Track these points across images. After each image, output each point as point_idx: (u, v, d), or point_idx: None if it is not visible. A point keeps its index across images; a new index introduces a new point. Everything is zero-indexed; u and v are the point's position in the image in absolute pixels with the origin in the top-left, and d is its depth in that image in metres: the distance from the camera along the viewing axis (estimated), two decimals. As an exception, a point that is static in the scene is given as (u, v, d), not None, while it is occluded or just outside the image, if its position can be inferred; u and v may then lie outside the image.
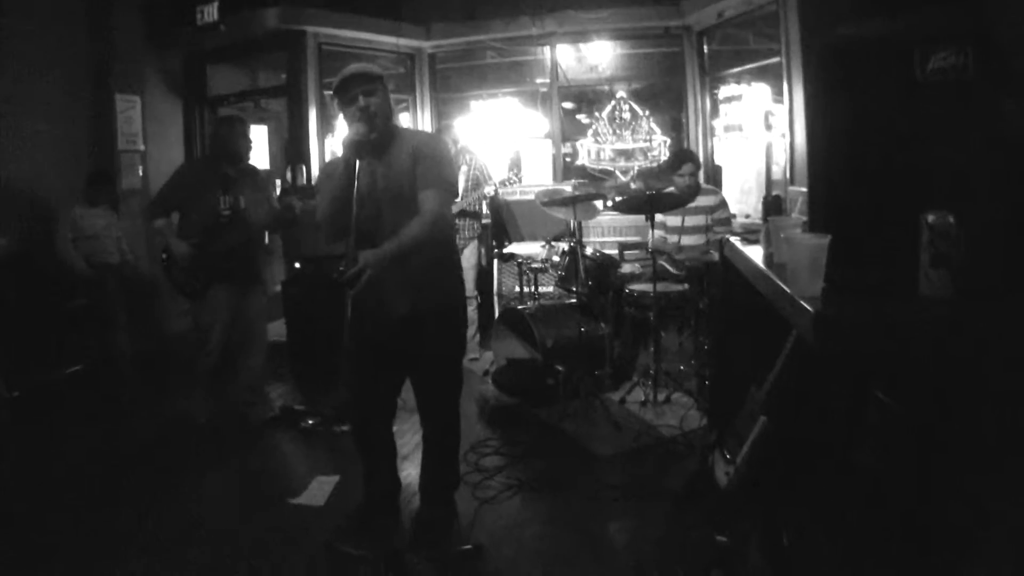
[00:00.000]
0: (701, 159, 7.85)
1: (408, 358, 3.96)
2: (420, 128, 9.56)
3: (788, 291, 2.44)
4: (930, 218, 2.26)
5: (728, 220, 6.74)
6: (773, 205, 3.80)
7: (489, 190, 7.39)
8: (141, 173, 8.37)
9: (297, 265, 7.41)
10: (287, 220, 5.72)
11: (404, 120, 9.69)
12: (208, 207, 5.51)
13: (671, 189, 6.64)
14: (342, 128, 8.89)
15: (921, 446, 2.51)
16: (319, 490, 4.73)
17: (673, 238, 6.75)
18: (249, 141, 5.74)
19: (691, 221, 6.63)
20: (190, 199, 5.56)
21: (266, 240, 6.10)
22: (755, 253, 3.42)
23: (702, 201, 6.61)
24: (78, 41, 7.95)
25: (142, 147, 8.43)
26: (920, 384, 2.49)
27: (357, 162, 3.53)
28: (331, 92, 3.88)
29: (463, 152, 7.50)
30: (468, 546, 3.92)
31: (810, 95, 2.77)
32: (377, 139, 3.70)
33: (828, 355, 2.76)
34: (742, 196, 8.04)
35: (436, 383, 4.06)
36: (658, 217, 6.47)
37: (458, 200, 7.07)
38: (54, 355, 7.04)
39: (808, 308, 2.20)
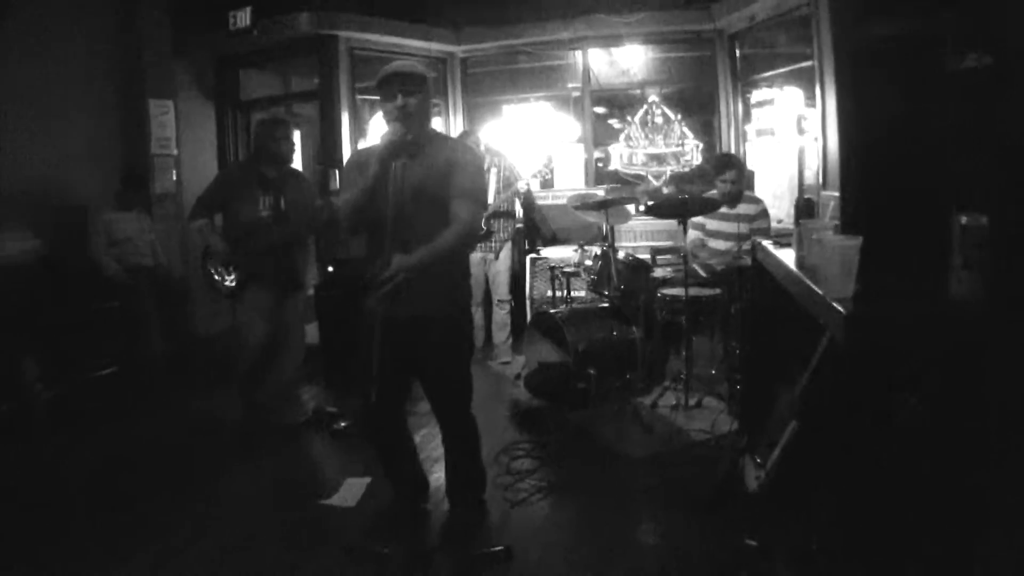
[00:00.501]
0: (734, 164, 7.83)
1: (415, 362, 3.95)
2: (451, 132, 9.58)
3: (820, 292, 2.43)
4: (963, 220, 2.25)
5: (767, 230, 6.65)
6: (805, 209, 3.78)
7: (522, 186, 7.39)
8: (174, 177, 8.44)
9: (330, 268, 7.45)
10: (322, 221, 5.73)
11: (436, 124, 9.71)
12: (247, 208, 5.55)
13: (712, 193, 6.61)
14: (374, 131, 8.96)
15: (952, 449, 2.49)
16: (350, 491, 4.75)
17: (712, 242, 6.72)
18: (291, 143, 5.75)
19: (728, 227, 6.59)
20: (230, 200, 5.61)
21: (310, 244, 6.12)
22: (787, 256, 3.41)
23: (743, 209, 6.57)
24: (110, 47, 8.03)
25: (175, 151, 8.50)
26: (951, 387, 2.47)
27: (393, 164, 3.56)
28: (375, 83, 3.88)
29: (489, 154, 7.52)
30: (498, 547, 3.92)
31: (842, 96, 2.76)
32: (413, 140, 3.69)
33: (859, 356, 2.75)
34: (775, 201, 7.98)
35: (443, 390, 4.05)
36: (699, 219, 6.46)
37: (490, 202, 7.09)
38: (87, 357, 7.11)
39: (839, 309, 2.20)
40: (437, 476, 4.66)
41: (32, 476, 5.25)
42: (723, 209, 6.31)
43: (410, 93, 3.69)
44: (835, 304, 2.25)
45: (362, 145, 8.98)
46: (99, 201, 7.15)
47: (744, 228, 6.50)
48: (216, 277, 5.62)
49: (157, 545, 4.12)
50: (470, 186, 3.73)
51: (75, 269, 7.06)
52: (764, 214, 6.66)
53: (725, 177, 6.53)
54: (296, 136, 10.47)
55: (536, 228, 8.55)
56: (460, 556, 3.86)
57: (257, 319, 5.63)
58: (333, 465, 5.32)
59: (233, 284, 5.59)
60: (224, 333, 6.02)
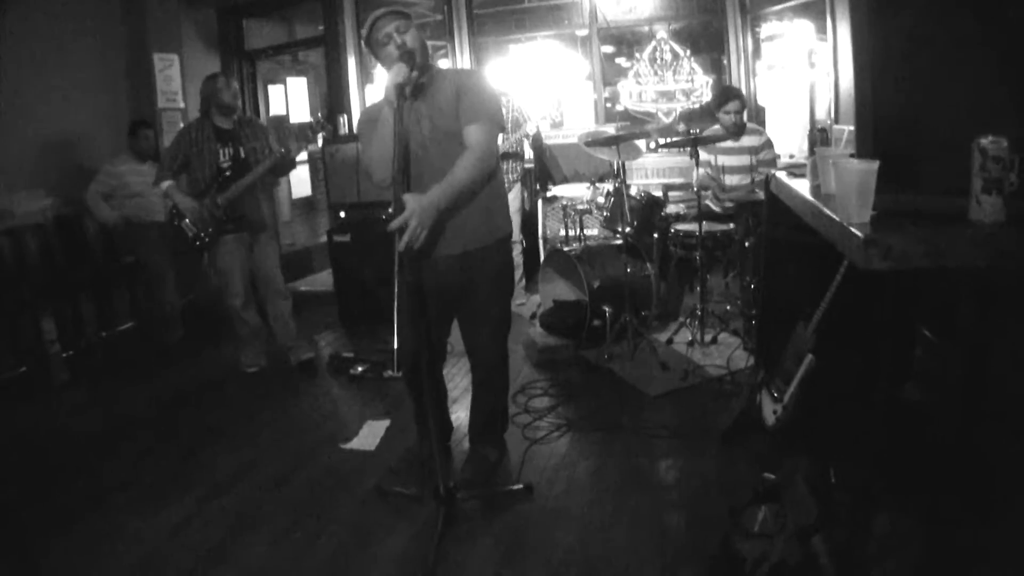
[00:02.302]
0: (744, 99, 7.74)
1: (456, 298, 3.93)
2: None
3: (837, 219, 2.41)
4: (982, 142, 2.22)
5: (774, 160, 6.63)
6: (819, 138, 3.76)
7: (531, 127, 7.35)
8: (182, 130, 8.43)
9: (342, 214, 7.45)
10: (287, 164, 5.91)
11: (443, 66, 9.63)
12: (209, 162, 5.67)
13: (716, 128, 6.57)
14: (381, 77, 8.89)
15: (965, 382, 2.49)
16: (370, 434, 4.80)
17: (721, 177, 6.68)
18: (234, 91, 5.86)
19: (736, 160, 6.56)
20: (190, 158, 5.72)
21: (280, 188, 6.23)
22: (802, 186, 3.38)
23: (747, 141, 6.53)
24: (112, 2, 7.97)
25: (182, 104, 8.48)
26: (966, 319, 2.47)
27: (400, 103, 3.51)
28: (363, 40, 3.82)
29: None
30: (519, 485, 3.96)
31: (857, 20, 2.72)
32: (418, 78, 3.61)
33: (877, 284, 2.75)
34: (785, 135, 7.94)
35: (484, 323, 4.02)
36: (704, 156, 6.42)
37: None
38: (105, 313, 7.16)
39: (857, 233, 2.18)
40: (456, 416, 4.70)
41: (57, 433, 5.33)
42: (728, 143, 6.27)
43: (403, 30, 3.62)
44: (853, 229, 2.24)
45: (369, 89, 8.94)
46: (109, 158, 7.11)
47: (754, 160, 6.47)
48: (189, 234, 5.71)
49: (187, 494, 4.18)
50: (480, 108, 3.64)
51: (89, 227, 7.09)
52: (769, 144, 6.62)
53: (728, 108, 6.48)
54: (302, 84, 10.47)
55: (546, 170, 8.51)
56: (483, 494, 3.91)
57: (233, 268, 5.79)
58: (352, 409, 5.36)
59: (205, 238, 5.69)
60: (216, 281, 6.12)
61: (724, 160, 6.62)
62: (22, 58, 6.95)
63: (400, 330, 3.49)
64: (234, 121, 5.81)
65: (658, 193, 6.56)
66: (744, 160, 6.51)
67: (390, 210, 3.42)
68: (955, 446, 2.53)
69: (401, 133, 3.47)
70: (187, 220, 5.65)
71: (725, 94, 6.64)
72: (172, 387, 6.00)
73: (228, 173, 5.66)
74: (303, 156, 6.98)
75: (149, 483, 4.36)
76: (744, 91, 8.27)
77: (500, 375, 4.21)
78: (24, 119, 6.94)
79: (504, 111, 7.25)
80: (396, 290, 3.44)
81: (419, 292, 3.61)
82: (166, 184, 5.73)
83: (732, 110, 6.46)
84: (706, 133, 6.15)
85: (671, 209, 6.61)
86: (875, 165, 2.34)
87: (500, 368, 4.18)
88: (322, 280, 7.97)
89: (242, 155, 5.72)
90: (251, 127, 5.93)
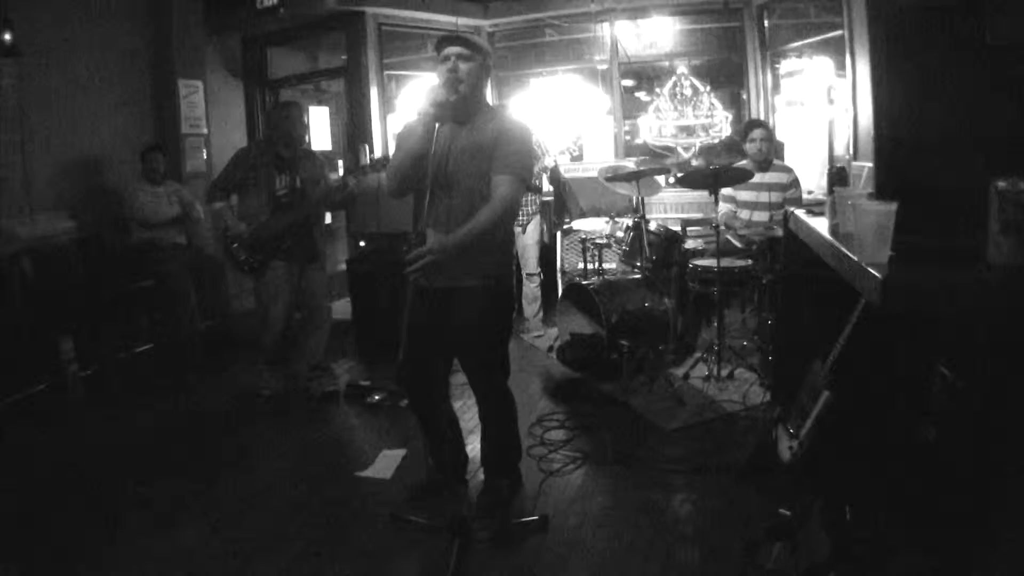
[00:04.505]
0: (764, 134, 7.75)
1: (445, 331, 3.95)
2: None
3: (855, 259, 2.43)
4: (1000, 185, 2.24)
5: (800, 199, 6.61)
6: (838, 177, 3.77)
7: (549, 161, 7.39)
8: (205, 156, 8.48)
9: (362, 243, 7.50)
10: (344, 199, 5.98)
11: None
12: (265, 188, 5.73)
13: (744, 163, 6.57)
14: (403, 107, 8.96)
15: (984, 422, 2.49)
16: (385, 463, 4.80)
17: (744, 213, 6.69)
18: (305, 126, 5.98)
19: (757, 196, 6.57)
20: (247, 181, 5.77)
21: (326, 219, 6.24)
22: (820, 224, 3.39)
23: (774, 177, 6.53)
24: (139, 28, 8.06)
25: (205, 130, 8.54)
26: (984, 358, 2.47)
27: (436, 125, 3.56)
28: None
29: None
30: (533, 517, 3.96)
31: (876, 61, 2.74)
32: (458, 104, 3.68)
33: (895, 322, 2.75)
34: (804, 171, 7.95)
35: (474, 361, 4.05)
36: (728, 191, 6.44)
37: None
38: (124, 334, 7.19)
39: (875, 274, 2.20)
40: (472, 447, 4.70)
41: (71, 452, 5.33)
42: (753, 179, 6.27)
43: (466, 59, 3.70)
44: (871, 269, 2.25)
45: (390, 119, 9.00)
46: (132, 182, 7.17)
47: (776, 197, 6.47)
48: (240, 257, 5.77)
49: (201, 518, 4.20)
50: (514, 162, 3.70)
51: (111, 248, 7.14)
52: (796, 183, 6.62)
53: (754, 136, 6.50)
54: (324, 113, 10.56)
55: (564, 203, 8.54)
56: (497, 525, 3.90)
57: (278, 294, 5.80)
58: (368, 438, 5.37)
59: (255, 263, 5.74)
60: (256, 307, 6.13)
61: (746, 195, 6.62)
62: (49, 82, 7.03)
63: (401, 352, 3.53)
64: (295, 151, 5.87)
65: (677, 228, 6.58)
66: (765, 196, 6.51)
67: (412, 241, 3.48)
68: (971, 486, 2.53)
69: (434, 153, 3.55)
70: (240, 244, 5.72)
71: (750, 124, 6.68)
72: (188, 410, 6.04)
73: (282, 201, 5.73)
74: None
75: (162, 506, 4.36)
76: (763, 127, 8.30)
77: (503, 412, 4.19)
78: (50, 141, 7.02)
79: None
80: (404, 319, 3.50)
81: (419, 322, 3.74)
82: (219, 205, 5.82)
83: (758, 137, 6.47)
84: (733, 168, 6.16)
85: (690, 244, 6.62)
86: (893, 207, 2.36)
87: (501, 406, 4.17)
88: (340, 308, 8.00)
89: (298, 184, 5.80)
90: (310, 159, 6.01)
